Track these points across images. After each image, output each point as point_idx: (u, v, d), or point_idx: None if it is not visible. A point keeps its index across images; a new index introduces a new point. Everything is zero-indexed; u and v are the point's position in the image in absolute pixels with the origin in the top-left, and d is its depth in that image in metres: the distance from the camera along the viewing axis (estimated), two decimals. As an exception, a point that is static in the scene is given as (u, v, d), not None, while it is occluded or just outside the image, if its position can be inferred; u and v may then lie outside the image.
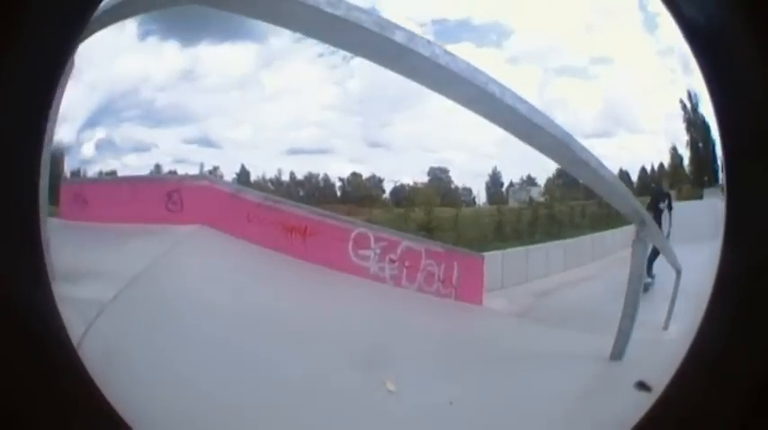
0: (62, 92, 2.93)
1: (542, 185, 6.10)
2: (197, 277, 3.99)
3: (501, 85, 2.64)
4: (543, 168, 5.61)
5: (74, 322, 2.63)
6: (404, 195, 6.26)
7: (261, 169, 5.09)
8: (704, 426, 1.02)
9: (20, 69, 0.94)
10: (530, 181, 6.25)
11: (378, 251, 5.38)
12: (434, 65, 2.48)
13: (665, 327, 4.46)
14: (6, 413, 0.92)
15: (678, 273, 4.59)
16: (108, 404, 1.01)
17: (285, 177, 5.47)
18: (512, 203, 6.36)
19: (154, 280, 3.71)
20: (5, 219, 0.96)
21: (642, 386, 1.35)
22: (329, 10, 2.31)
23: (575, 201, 6.01)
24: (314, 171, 5.75)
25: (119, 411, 1.02)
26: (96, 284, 3.36)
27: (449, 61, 2.52)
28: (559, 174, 5.79)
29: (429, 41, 2.53)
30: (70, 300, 2.84)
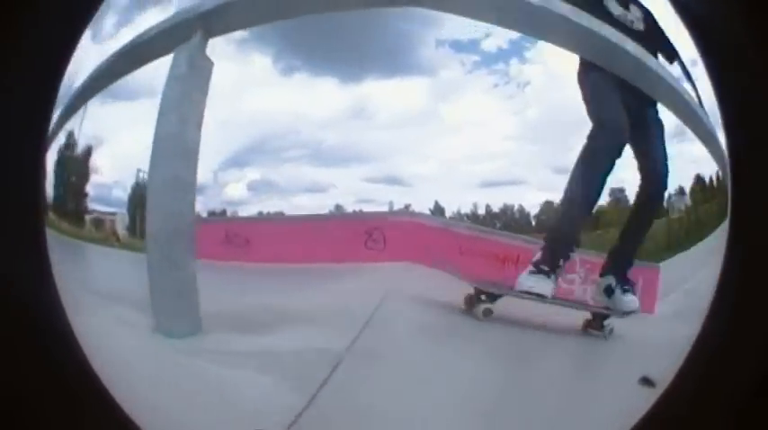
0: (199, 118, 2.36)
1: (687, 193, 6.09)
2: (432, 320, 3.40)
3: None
4: (687, 177, 5.57)
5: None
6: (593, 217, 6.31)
7: (455, 204, 5.07)
8: (707, 422, 1.01)
9: (23, 68, 0.96)
10: (681, 190, 6.22)
11: (582, 274, 5.33)
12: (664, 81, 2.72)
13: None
14: (13, 415, 0.95)
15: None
16: (117, 405, 1.04)
17: (480, 211, 5.47)
18: (672, 214, 6.32)
19: (385, 325, 3.10)
20: (9, 220, 0.98)
21: (646, 381, 1.34)
22: (576, 19, 2.46)
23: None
24: (508, 202, 5.68)
25: (126, 411, 1.05)
26: (315, 332, 2.63)
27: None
28: (697, 179, 5.74)
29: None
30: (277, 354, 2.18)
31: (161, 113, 2.29)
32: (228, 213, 4.43)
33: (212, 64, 2.45)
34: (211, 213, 4.40)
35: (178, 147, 2.28)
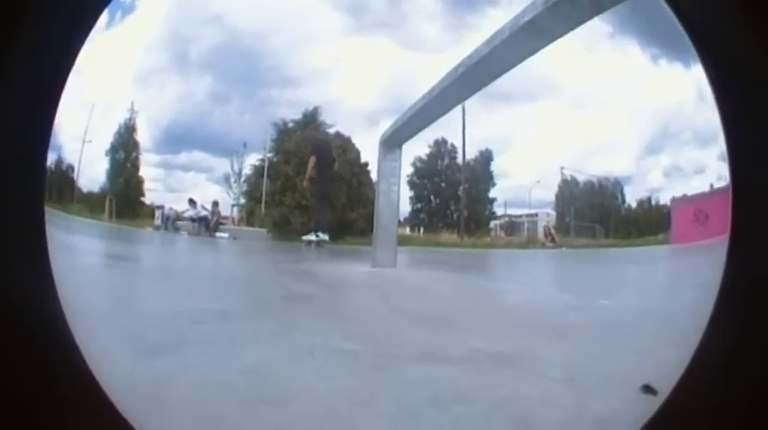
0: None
1: None
2: None
3: None
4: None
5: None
6: None
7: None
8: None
9: (25, 67, 0.95)
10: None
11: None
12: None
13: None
14: (10, 415, 0.94)
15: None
16: (112, 405, 1.03)
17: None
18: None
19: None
20: (10, 219, 0.97)
21: (648, 389, 1.31)
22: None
23: None
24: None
25: (122, 413, 1.04)
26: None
27: None
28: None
29: None
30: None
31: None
32: (654, 200, 4.46)
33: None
34: (640, 202, 4.46)
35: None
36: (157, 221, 7.40)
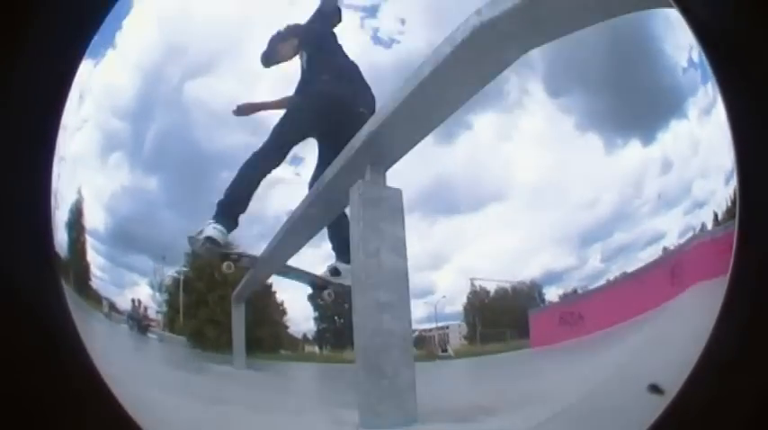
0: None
1: None
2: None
3: None
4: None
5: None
6: None
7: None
8: (717, 430, 1.01)
9: (32, 68, 0.96)
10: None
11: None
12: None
13: None
14: (16, 412, 0.95)
15: None
16: (118, 404, 1.04)
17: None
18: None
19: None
20: (17, 216, 0.99)
21: (655, 389, 1.31)
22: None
23: None
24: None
25: (128, 410, 1.04)
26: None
27: None
28: None
29: None
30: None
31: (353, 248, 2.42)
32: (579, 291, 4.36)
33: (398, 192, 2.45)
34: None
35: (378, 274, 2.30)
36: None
